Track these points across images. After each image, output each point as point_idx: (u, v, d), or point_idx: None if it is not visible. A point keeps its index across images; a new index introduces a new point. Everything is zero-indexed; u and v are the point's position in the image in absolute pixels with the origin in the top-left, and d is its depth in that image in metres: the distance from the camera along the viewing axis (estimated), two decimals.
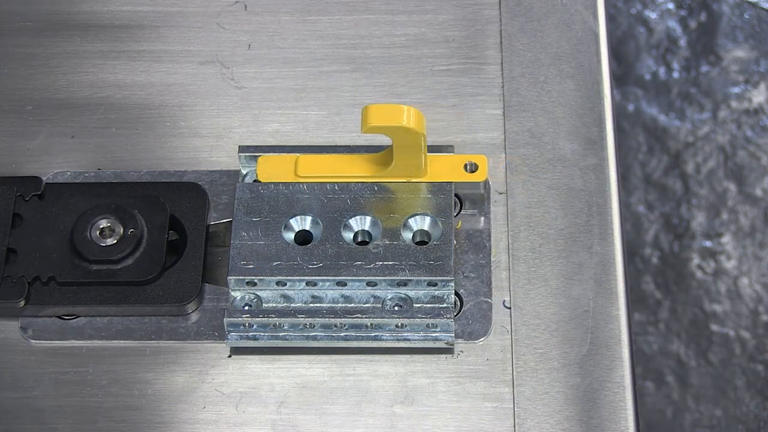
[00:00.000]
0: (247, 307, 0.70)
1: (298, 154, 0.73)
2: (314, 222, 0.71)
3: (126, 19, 0.81)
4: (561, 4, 0.80)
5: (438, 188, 0.72)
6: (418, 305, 0.70)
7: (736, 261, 1.59)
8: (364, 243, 0.71)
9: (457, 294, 0.71)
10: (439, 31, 0.79)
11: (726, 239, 1.60)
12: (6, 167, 0.76)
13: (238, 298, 0.70)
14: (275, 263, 0.70)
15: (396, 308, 0.70)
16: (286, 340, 0.70)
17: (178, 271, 0.71)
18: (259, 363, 0.70)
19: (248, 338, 0.70)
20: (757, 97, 1.69)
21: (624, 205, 1.41)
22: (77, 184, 0.74)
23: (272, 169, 0.73)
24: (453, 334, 0.70)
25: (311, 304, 0.70)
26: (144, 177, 0.75)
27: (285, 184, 0.72)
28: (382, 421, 0.69)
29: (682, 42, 1.73)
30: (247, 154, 0.73)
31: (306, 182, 0.72)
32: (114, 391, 0.70)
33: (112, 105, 0.78)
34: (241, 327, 0.69)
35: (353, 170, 0.72)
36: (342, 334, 0.69)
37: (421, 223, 0.71)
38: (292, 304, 0.70)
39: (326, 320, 0.69)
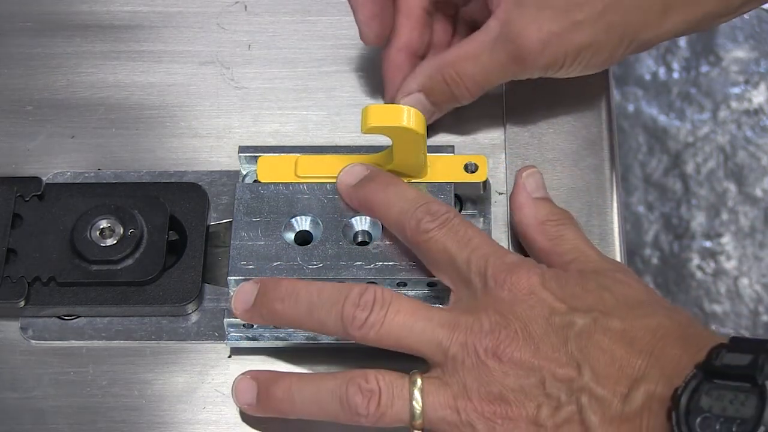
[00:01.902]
0: None
1: (298, 155, 0.73)
2: (314, 222, 0.71)
3: (126, 19, 0.81)
4: None
5: (438, 188, 0.72)
6: None
7: (736, 261, 1.59)
8: (364, 243, 0.71)
9: None
10: None
11: (726, 239, 1.60)
12: (6, 167, 0.76)
13: None
14: (275, 263, 0.70)
15: None
16: (286, 340, 0.70)
17: (178, 271, 0.71)
18: (259, 363, 0.70)
19: (248, 338, 0.70)
20: (757, 97, 1.69)
21: (624, 205, 1.41)
22: (77, 185, 0.74)
23: (272, 170, 0.73)
24: None
25: None
26: (144, 177, 0.75)
27: (285, 184, 0.72)
28: None
29: (682, 42, 1.73)
30: (247, 154, 0.74)
31: (306, 182, 0.72)
32: (114, 391, 0.70)
33: (112, 105, 0.78)
34: (241, 327, 0.69)
35: None
36: None
37: None
38: None
39: None
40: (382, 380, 0.64)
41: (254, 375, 0.67)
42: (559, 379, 0.61)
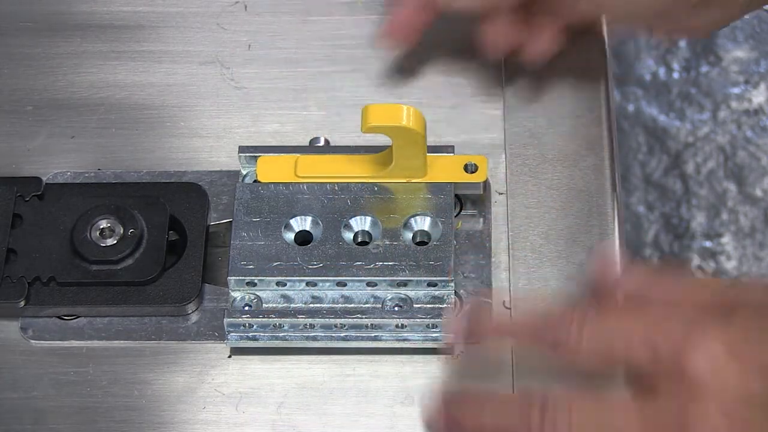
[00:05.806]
0: (247, 308, 0.70)
1: (298, 154, 0.73)
2: (314, 222, 0.71)
3: (126, 19, 0.81)
4: None
5: (438, 189, 0.72)
6: (418, 305, 0.70)
7: (736, 261, 1.59)
8: (364, 243, 0.71)
9: (457, 294, 0.71)
10: (438, 32, 0.79)
11: (726, 239, 1.60)
12: (6, 167, 0.76)
13: (238, 298, 0.70)
14: (275, 263, 0.70)
15: (396, 308, 0.70)
16: (286, 340, 0.70)
17: (178, 271, 0.71)
18: (259, 363, 0.70)
19: (248, 338, 0.70)
20: (757, 97, 1.69)
21: (624, 205, 1.41)
22: (77, 184, 0.74)
23: (272, 170, 0.73)
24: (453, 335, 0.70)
25: (311, 305, 0.70)
26: (144, 177, 0.75)
27: (285, 184, 0.72)
28: (382, 421, 0.69)
29: (682, 42, 1.73)
30: (247, 154, 0.73)
31: (306, 182, 0.72)
32: (114, 391, 0.70)
33: (112, 105, 0.78)
34: (241, 327, 0.69)
35: (353, 170, 0.72)
36: (342, 335, 0.69)
37: (421, 223, 0.71)
38: (292, 305, 0.70)
39: (326, 320, 0.69)
40: None
41: None
42: None
